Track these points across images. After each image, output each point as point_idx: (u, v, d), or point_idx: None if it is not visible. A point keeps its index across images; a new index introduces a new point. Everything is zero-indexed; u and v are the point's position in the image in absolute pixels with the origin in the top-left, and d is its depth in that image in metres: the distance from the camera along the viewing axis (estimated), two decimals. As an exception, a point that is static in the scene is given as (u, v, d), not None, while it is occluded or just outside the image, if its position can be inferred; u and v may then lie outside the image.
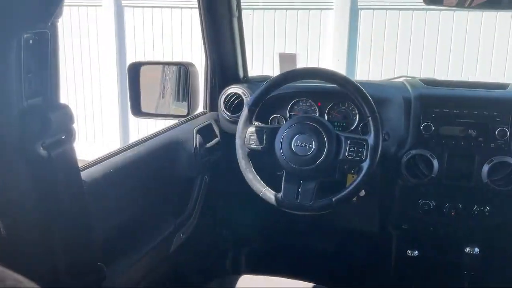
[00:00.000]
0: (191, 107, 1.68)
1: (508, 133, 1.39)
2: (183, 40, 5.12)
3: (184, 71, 1.70)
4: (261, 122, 1.56)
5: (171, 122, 1.66)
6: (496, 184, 1.40)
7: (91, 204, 0.98)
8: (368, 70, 4.97)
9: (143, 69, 1.67)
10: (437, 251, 1.64)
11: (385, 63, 4.89)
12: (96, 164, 1.17)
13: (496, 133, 1.40)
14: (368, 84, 1.54)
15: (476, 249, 1.43)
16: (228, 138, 1.64)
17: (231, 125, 1.67)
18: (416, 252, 1.61)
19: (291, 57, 1.85)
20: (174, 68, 1.77)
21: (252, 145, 1.43)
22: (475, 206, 1.50)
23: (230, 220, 1.92)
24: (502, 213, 1.49)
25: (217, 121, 1.73)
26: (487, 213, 1.49)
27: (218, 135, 1.71)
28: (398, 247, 1.71)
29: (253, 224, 2.01)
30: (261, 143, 1.42)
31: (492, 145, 1.41)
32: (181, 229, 1.48)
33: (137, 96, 1.66)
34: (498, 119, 1.41)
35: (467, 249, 1.44)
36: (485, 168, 1.40)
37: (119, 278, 1.17)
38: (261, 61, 4.97)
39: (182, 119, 1.66)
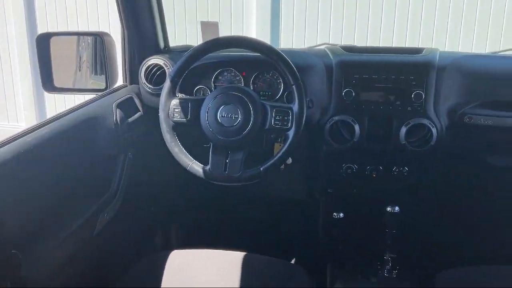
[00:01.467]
0: (109, 80, 1.60)
1: (423, 96, 1.46)
2: (99, 9, 4.84)
3: (100, 41, 1.60)
4: (185, 94, 1.52)
5: (90, 96, 1.57)
6: (413, 146, 1.47)
7: (2, 188, 0.90)
8: (292, 39, 5.01)
9: (53, 40, 1.55)
10: (360, 211, 1.71)
11: (308, 31, 4.95)
12: (6, 144, 1.07)
13: (412, 96, 1.46)
14: (292, 52, 1.54)
15: (397, 208, 1.51)
16: (151, 111, 1.58)
17: (153, 98, 1.61)
18: (341, 214, 1.67)
19: (213, 26, 1.80)
20: (90, 39, 1.66)
21: (177, 118, 1.38)
22: (395, 167, 1.57)
23: (157, 196, 1.88)
24: (419, 172, 1.58)
25: (138, 94, 1.66)
26: (405, 173, 1.57)
27: (141, 109, 1.64)
28: (325, 210, 1.77)
29: (182, 198, 1.98)
30: (185, 115, 1.38)
31: (409, 108, 1.47)
32: (105, 209, 1.42)
33: (48, 70, 1.55)
34: (414, 82, 1.47)
35: (389, 208, 1.51)
36: (403, 130, 1.46)
37: (39, 265, 1.10)
38: (184, 30, 4.83)
39: (101, 93, 1.57)
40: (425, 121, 1.45)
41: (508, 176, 1.60)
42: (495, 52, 1.73)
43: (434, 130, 1.45)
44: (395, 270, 1.55)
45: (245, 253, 1.44)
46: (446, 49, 1.64)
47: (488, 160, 1.56)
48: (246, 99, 1.34)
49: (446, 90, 1.48)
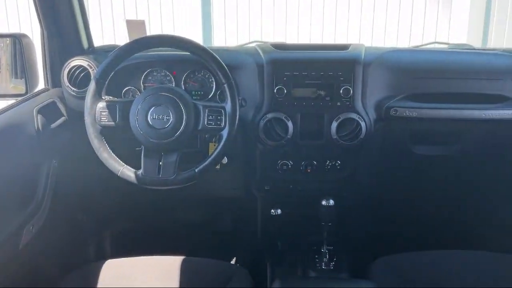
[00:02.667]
0: (29, 84, 1.49)
1: (352, 91, 1.50)
2: (19, 8, 4.56)
3: (18, 43, 1.50)
4: (112, 96, 1.46)
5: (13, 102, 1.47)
6: (343, 140, 1.51)
7: None
8: (225, 37, 4.99)
9: (-35, 42, 1.44)
10: (297, 207, 1.74)
11: (240, 29, 4.95)
12: None
13: (341, 91, 1.50)
14: (222, 51, 1.52)
15: (331, 201, 1.54)
16: (77, 116, 1.50)
17: (78, 101, 1.53)
18: (279, 211, 1.69)
19: (140, 24, 1.74)
20: (8, 40, 1.55)
21: (104, 121, 1.32)
22: (328, 161, 1.61)
23: (88, 204, 1.79)
24: (351, 165, 1.63)
25: (62, 98, 1.57)
26: (338, 167, 1.61)
27: (65, 114, 1.55)
28: (263, 208, 1.78)
29: (115, 205, 1.91)
30: (114, 118, 1.32)
31: (339, 103, 1.51)
32: (31, 221, 1.33)
33: (-40, 74, 1.43)
34: (342, 78, 1.50)
35: (323, 202, 1.54)
36: (334, 125, 1.50)
37: None
38: (112, 30, 4.67)
39: (21, 98, 1.47)
40: (354, 116, 1.49)
41: (431, 164, 1.69)
42: (417, 46, 1.82)
43: (363, 124, 1.49)
44: (332, 262, 1.59)
45: (183, 257, 1.41)
46: (371, 45, 1.68)
47: (413, 150, 1.63)
48: (177, 99, 1.31)
49: (373, 85, 1.53)
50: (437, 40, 1.75)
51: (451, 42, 1.83)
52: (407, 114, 1.52)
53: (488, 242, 1.91)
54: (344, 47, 1.60)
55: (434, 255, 1.44)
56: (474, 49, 1.74)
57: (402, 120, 1.54)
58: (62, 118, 1.53)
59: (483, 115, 1.50)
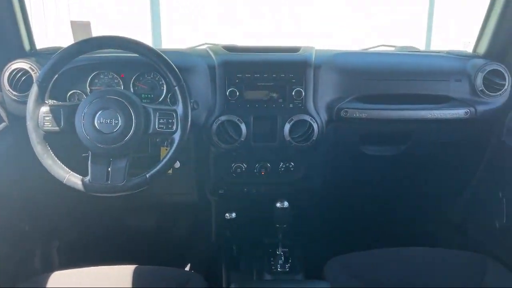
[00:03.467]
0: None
1: (303, 93, 1.51)
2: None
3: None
4: (57, 100, 1.39)
5: None
6: (296, 141, 1.52)
7: None
8: (175, 38, 4.92)
9: None
10: (252, 210, 1.73)
11: (192, 29, 4.90)
12: None
13: (293, 93, 1.51)
14: (172, 53, 1.49)
15: (286, 203, 1.54)
16: (18, 121, 1.42)
17: (20, 106, 1.45)
18: (233, 214, 1.67)
19: (85, 26, 1.67)
20: None
21: (48, 126, 1.26)
22: (282, 163, 1.61)
23: (33, 213, 1.70)
24: (304, 167, 1.63)
25: (2, 102, 1.48)
26: (292, 169, 1.62)
27: (6, 119, 1.47)
28: (217, 212, 1.75)
29: (62, 214, 1.82)
30: (58, 123, 1.26)
31: (291, 105, 1.52)
32: None
33: None
34: (293, 80, 1.51)
35: (278, 204, 1.54)
36: (287, 127, 1.50)
37: None
38: (56, 31, 4.49)
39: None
40: (307, 117, 1.50)
41: (381, 163, 1.73)
42: (366, 49, 1.86)
43: (315, 126, 1.51)
44: (287, 264, 1.59)
45: (135, 266, 1.37)
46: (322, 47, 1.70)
47: (363, 150, 1.66)
48: (126, 102, 1.27)
49: (324, 87, 1.54)
50: (384, 43, 1.81)
51: (397, 44, 1.88)
52: (357, 115, 1.55)
53: (437, 238, 1.98)
54: (295, 49, 1.61)
55: (386, 252, 1.47)
56: (420, 51, 1.80)
57: (352, 121, 1.56)
58: (3, 124, 1.45)
59: (430, 115, 1.55)
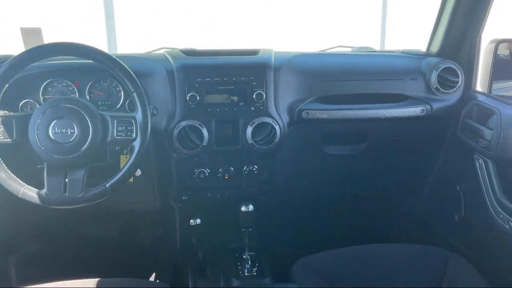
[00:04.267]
0: None
1: (264, 96, 1.50)
2: None
3: None
4: (8, 111, 1.33)
5: None
6: (259, 144, 1.51)
7: None
8: (131, 43, 4.83)
9: None
10: (216, 215, 1.71)
11: (148, 34, 4.82)
12: None
13: (254, 96, 1.50)
14: (128, 58, 1.46)
15: (251, 206, 1.53)
16: None
17: None
18: (198, 220, 1.65)
19: (36, 32, 1.61)
20: None
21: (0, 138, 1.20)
22: (245, 166, 1.60)
23: None
24: (267, 169, 1.63)
25: None
26: (255, 171, 1.61)
27: None
28: (181, 219, 1.73)
29: (20, 228, 1.74)
30: (10, 135, 1.20)
31: (252, 108, 1.51)
32: None
33: None
34: (254, 83, 1.51)
35: (243, 208, 1.53)
36: (249, 130, 1.50)
37: None
38: (5, 38, 4.31)
39: None
40: (269, 120, 1.50)
41: (343, 163, 1.75)
42: (324, 50, 1.88)
43: (277, 128, 1.51)
44: (254, 268, 1.58)
45: (98, 279, 1.32)
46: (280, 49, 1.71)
47: (325, 150, 1.68)
48: (82, 111, 1.22)
49: (284, 89, 1.55)
50: (341, 44, 1.84)
51: (354, 45, 1.91)
52: (318, 116, 1.56)
53: (400, 234, 2.02)
54: (254, 52, 1.61)
55: (351, 250, 1.49)
56: (376, 51, 1.83)
57: (313, 122, 1.57)
58: None
59: (388, 113, 1.58)
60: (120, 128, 1.26)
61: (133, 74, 1.28)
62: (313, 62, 1.65)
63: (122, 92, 1.48)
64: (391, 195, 1.97)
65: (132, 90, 1.28)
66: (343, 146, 1.72)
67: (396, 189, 1.93)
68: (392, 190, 1.93)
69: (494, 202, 1.43)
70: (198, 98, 1.47)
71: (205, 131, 1.47)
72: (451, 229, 1.76)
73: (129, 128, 1.27)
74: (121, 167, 1.29)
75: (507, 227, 1.36)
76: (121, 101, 1.48)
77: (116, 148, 1.49)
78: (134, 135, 1.26)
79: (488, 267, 1.48)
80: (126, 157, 1.47)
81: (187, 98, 1.47)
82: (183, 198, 1.65)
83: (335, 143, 1.70)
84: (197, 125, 1.47)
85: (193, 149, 1.48)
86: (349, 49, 1.89)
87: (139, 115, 1.27)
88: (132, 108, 1.31)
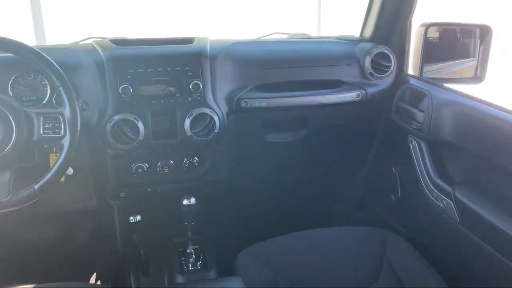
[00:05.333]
0: None
1: (201, 86, 1.46)
2: None
3: None
4: None
5: None
6: (198, 136, 1.47)
7: None
8: (60, 34, 4.58)
9: None
10: (158, 210, 1.66)
11: (78, 24, 4.60)
12: None
13: (191, 87, 1.45)
14: (53, 50, 1.37)
15: (193, 199, 1.50)
16: None
17: None
18: (138, 217, 1.60)
19: None
20: None
21: None
22: (185, 159, 1.56)
23: None
24: (209, 160, 1.60)
25: None
26: (196, 164, 1.58)
27: None
28: (120, 216, 1.66)
29: None
30: None
31: (190, 99, 1.47)
32: None
33: None
34: (190, 73, 1.46)
35: (184, 201, 1.49)
36: (187, 122, 1.45)
37: None
38: None
39: None
40: (207, 110, 1.47)
41: (283, 150, 1.76)
42: (260, 38, 1.86)
43: (216, 118, 1.48)
44: (199, 262, 1.56)
45: (33, 285, 1.25)
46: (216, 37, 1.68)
47: (266, 138, 1.67)
48: (3, 108, 1.14)
49: (221, 78, 1.52)
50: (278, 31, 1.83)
51: (291, 32, 1.91)
52: (257, 104, 1.55)
53: (341, 216, 2.07)
54: (189, 40, 1.56)
55: (294, 236, 1.50)
56: (311, 38, 1.84)
57: (253, 110, 1.56)
58: None
59: (325, 100, 1.60)
60: (47, 126, 1.19)
61: (58, 67, 1.21)
62: (250, 50, 1.63)
63: (48, 86, 1.39)
64: (332, 179, 2.01)
65: (58, 84, 1.20)
66: (284, 133, 1.72)
67: (336, 173, 1.97)
68: (332, 174, 1.97)
69: (428, 181, 1.49)
70: (131, 90, 1.41)
71: (140, 125, 1.41)
72: (389, 210, 1.82)
73: (56, 125, 1.19)
74: (50, 167, 1.21)
75: (441, 205, 1.42)
76: (48, 96, 1.39)
77: (45, 146, 1.40)
78: (62, 132, 1.19)
79: (424, 244, 1.55)
80: (56, 156, 1.39)
81: (119, 90, 1.40)
82: (121, 195, 1.58)
83: (275, 130, 1.70)
84: (132, 119, 1.41)
85: (128, 144, 1.42)
86: (286, 36, 1.89)
87: (66, 110, 1.20)
88: (60, 103, 1.23)
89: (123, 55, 1.44)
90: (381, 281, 1.38)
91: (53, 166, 1.19)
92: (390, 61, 1.65)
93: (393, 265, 1.40)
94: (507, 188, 1.26)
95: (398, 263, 1.40)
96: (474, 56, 1.67)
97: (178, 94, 1.46)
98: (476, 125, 1.32)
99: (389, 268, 1.40)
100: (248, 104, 1.54)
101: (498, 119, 1.25)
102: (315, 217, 1.97)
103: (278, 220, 1.89)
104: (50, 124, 1.19)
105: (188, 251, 1.56)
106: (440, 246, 1.53)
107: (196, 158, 1.57)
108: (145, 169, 1.52)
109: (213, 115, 1.47)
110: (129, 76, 1.41)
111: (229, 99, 1.53)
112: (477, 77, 1.65)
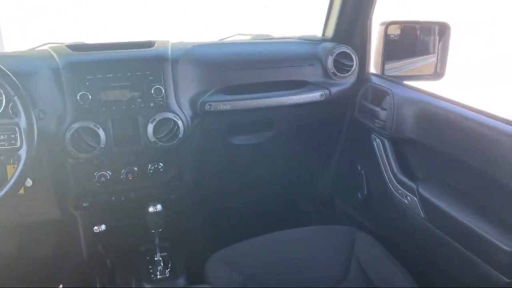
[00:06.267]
0: None
1: (163, 90, 1.44)
2: None
3: None
4: None
5: None
6: (162, 141, 1.45)
7: None
8: (18, 40, 4.44)
9: None
10: (123, 218, 1.63)
11: (33, 31, 4.47)
12: None
13: (152, 92, 1.43)
14: (6, 57, 1.32)
15: (159, 206, 1.47)
16: None
17: None
18: (103, 226, 1.56)
19: None
20: None
21: None
22: (150, 165, 1.53)
23: None
24: (174, 166, 1.58)
25: None
26: (161, 169, 1.55)
27: None
28: (84, 226, 1.62)
29: None
30: None
31: (152, 104, 1.44)
32: None
33: None
34: (151, 77, 1.43)
35: (150, 208, 1.47)
36: (150, 127, 1.43)
37: None
38: None
39: None
40: (170, 115, 1.44)
41: (250, 152, 1.75)
42: (223, 39, 1.84)
43: (180, 123, 1.45)
44: (167, 269, 1.53)
45: None
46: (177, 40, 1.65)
47: (232, 141, 1.66)
48: None
49: (184, 82, 1.49)
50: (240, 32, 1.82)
51: (253, 32, 1.90)
52: (221, 107, 1.53)
53: (310, 217, 2.08)
54: (149, 44, 1.53)
55: (263, 239, 1.49)
56: (274, 38, 1.84)
57: (217, 113, 1.54)
58: None
59: (289, 100, 1.59)
60: (2, 137, 1.16)
61: (12, 76, 1.16)
62: (212, 52, 1.61)
63: (3, 95, 1.34)
64: (299, 179, 2.02)
65: (13, 94, 1.16)
66: (250, 135, 1.71)
67: (303, 172, 1.97)
68: (299, 174, 1.97)
69: (393, 178, 1.51)
70: (90, 97, 1.37)
71: (101, 132, 1.38)
72: (356, 207, 1.84)
73: (12, 136, 1.16)
74: (8, 179, 1.17)
75: (406, 201, 1.44)
76: (3, 106, 1.33)
77: (1, 158, 1.35)
78: (18, 143, 1.16)
79: (391, 240, 1.57)
80: (13, 167, 1.34)
81: (78, 97, 1.36)
82: (84, 204, 1.54)
83: (241, 133, 1.69)
84: (92, 126, 1.37)
85: (89, 152, 1.38)
86: (248, 37, 1.88)
87: (22, 120, 1.16)
88: (16, 113, 1.19)
89: (80, 61, 1.40)
90: (350, 279, 1.39)
91: (11, 178, 1.16)
92: (352, 61, 1.66)
93: (362, 263, 1.41)
94: (468, 183, 1.29)
95: (366, 260, 1.42)
96: (434, 53, 1.70)
97: (139, 100, 1.43)
98: (436, 122, 1.35)
99: (357, 266, 1.41)
100: (212, 107, 1.52)
101: (457, 115, 1.27)
102: (284, 218, 1.97)
103: (247, 222, 1.88)
104: (5, 136, 1.16)
105: (155, 259, 1.53)
106: (407, 241, 1.55)
107: (161, 164, 1.55)
108: (108, 177, 1.49)
109: (176, 120, 1.45)
110: (88, 83, 1.38)
111: (192, 103, 1.51)
112: (437, 74, 1.69)
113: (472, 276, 1.24)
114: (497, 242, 1.12)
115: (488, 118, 1.19)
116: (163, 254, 1.55)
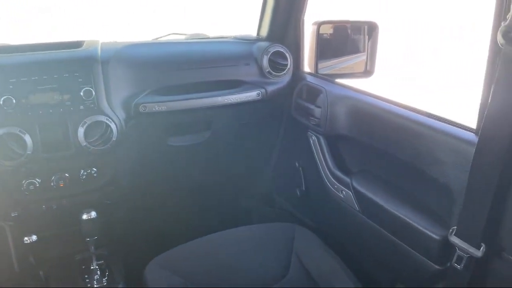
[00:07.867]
0: None
1: (94, 92, 1.39)
2: None
3: None
4: None
5: None
6: (95, 145, 1.40)
7: None
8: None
9: None
10: (55, 227, 1.56)
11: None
12: None
13: (82, 94, 1.37)
14: None
15: (93, 213, 1.42)
16: None
17: None
18: (34, 237, 1.48)
19: None
20: None
21: None
22: (82, 171, 1.47)
23: None
24: (109, 170, 1.53)
25: None
26: (95, 175, 1.49)
27: None
28: (14, 237, 1.53)
29: None
30: None
31: (82, 107, 1.38)
32: None
33: None
34: (80, 79, 1.38)
35: (84, 216, 1.41)
36: (81, 131, 1.37)
37: None
38: None
39: None
40: (102, 118, 1.40)
41: (188, 153, 1.73)
42: (156, 39, 1.81)
43: (113, 125, 1.41)
44: (105, 278, 1.48)
45: None
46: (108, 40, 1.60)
47: (169, 142, 1.63)
48: None
49: (116, 83, 1.45)
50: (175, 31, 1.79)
51: (188, 32, 1.88)
52: (157, 109, 1.50)
53: (252, 215, 2.09)
54: (77, 44, 1.47)
55: (204, 241, 1.48)
56: (209, 38, 1.83)
57: (153, 115, 1.51)
58: None
59: (226, 100, 1.59)
60: None
61: None
62: (145, 52, 1.58)
63: None
64: (239, 178, 2.02)
65: None
66: (188, 136, 1.69)
67: (242, 171, 1.98)
68: (239, 173, 1.97)
69: (328, 174, 1.55)
70: (14, 101, 1.30)
71: (28, 138, 1.31)
72: (295, 204, 1.87)
73: None
74: None
75: (341, 196, 1.49)
76: None
77: None
78: None
79: (330, 234, 1.61)
80: None
81: (1, 102, 1.28)
82: (13, 214, 1.46)
83: (178, 134, 1.66)
84: (18, 132, 1.30)
85: (15, 159, 1.31)
86: (183, 37, 1.85)
87: None
88: None
89: (2, 64, 1.32)
90: (290, 275, 1.41)
91: None
92: (287, 60, 1.68)
93: (301, 258, 1.44)
94: (398, 175, 1.35)
95: (306, 255, 1.44)
96: (364, 52, 1.76)
97: (68, 103, 1.37)
98: (366, 118, 1.40)
99: (297, 261, 1.43)
100: (147, 109, 1.49)
101: (385, 111, 1.33)
102: (224, 218, 1.96)
103: (187, 225, 1.86)
104: None
105: (92, 267, 1.47)
106: (344, 234, 1.60)
107: (95, 169, 1.49)
108: (38, 185, 1.42)
109: (109, 123, 1.40)
110: (11, 86, 1.30)
111: (126, 105, 1.47)
112: (367, 71, 1.74)
113: (406, 265, 1.29)
114: (427, 231, 1.18)
115: (413, 113, 1.25)
116: (100, 262, 1.50)
